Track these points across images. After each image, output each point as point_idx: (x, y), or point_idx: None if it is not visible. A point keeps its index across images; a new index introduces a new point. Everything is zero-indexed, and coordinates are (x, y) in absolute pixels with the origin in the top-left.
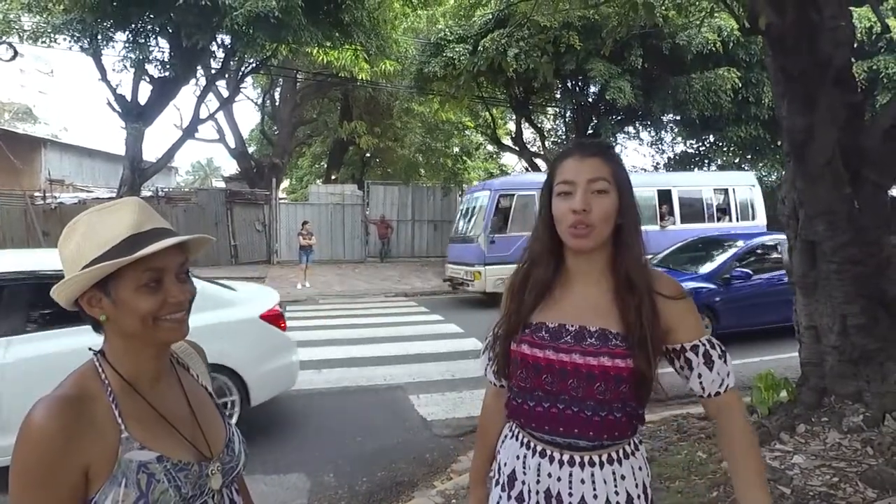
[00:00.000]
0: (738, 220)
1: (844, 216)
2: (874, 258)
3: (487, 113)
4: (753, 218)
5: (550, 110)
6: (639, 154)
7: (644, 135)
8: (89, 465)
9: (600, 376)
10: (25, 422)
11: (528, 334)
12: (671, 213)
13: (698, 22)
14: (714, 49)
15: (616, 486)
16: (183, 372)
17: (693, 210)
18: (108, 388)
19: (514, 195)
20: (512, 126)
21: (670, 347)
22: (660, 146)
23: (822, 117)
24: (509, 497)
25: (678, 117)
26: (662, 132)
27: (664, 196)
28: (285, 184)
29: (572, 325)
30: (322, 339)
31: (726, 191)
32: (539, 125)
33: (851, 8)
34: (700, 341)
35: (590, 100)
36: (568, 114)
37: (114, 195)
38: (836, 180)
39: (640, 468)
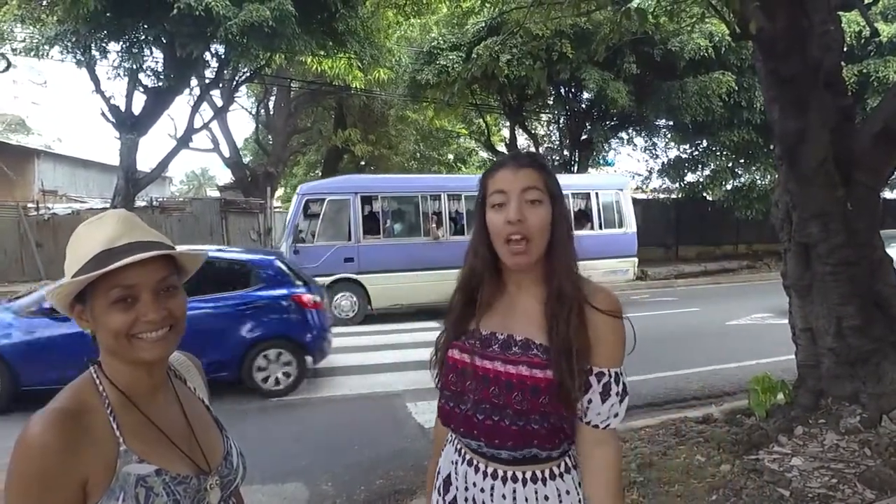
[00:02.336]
0: (601, 227)
1: (838, 218)
2: (867, 259)
3: (481, 119)
4: (621, 225)
5: (544, 116)
6: (632, 160)
7: (638, 140)
8: (87, 478)
9: (518, 385)
10: (23, 435)
11: (461, 340)
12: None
13: (689, 28)
14: (706, 55)
15: None
16: (180, 384)
17: None
18: (105, 400)
19: (324, 200)
20: (506, 132)
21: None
22: (653, 151)
23: (814, 120)
24: (444, 501)
25: (671, 122)
26: (656, 137)
27: None
28: (280, 192)
29: (501, 334)
30: None
31: (588, 195)
32: (533, 131)
33: (840, 13)
34: (608, 371)
35: (583, 106)
36: (561, 120)
37: (108, 206)
38: (828, 182)
39: (567, 492)
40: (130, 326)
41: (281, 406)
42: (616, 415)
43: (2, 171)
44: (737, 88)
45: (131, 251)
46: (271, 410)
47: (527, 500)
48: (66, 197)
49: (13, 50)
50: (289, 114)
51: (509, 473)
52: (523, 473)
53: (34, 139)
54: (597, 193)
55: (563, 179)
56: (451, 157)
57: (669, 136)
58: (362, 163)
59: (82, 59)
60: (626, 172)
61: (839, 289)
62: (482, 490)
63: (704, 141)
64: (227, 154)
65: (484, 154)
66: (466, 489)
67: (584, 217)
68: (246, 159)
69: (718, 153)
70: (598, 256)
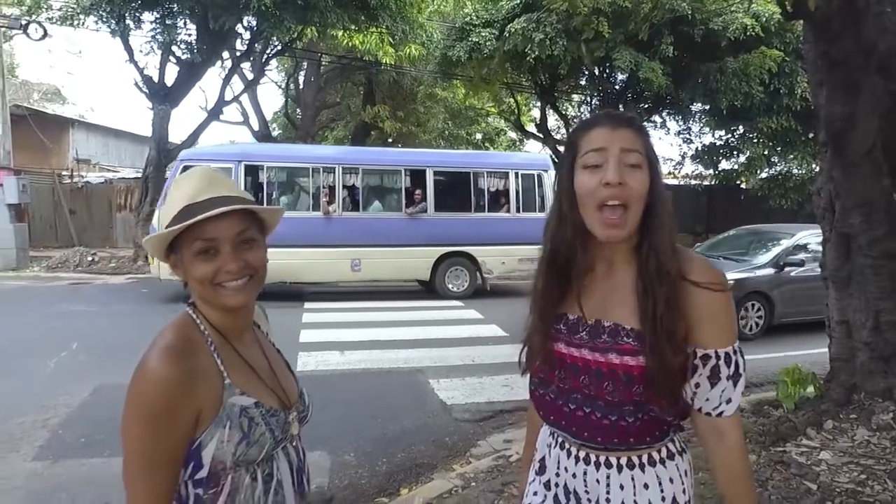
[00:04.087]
0: (519, 210)
1: (882, 209)
2: None
3: (512, 99)
4: (542, 209)
5: (576, 97)
6: (664, 143)
7: (671, 124)
8: (201, 408)
9: (608, 374)
10: (144, 369)
11: (547, 325)
12: (424, 198)
13: (737, 6)
14: (752, 33)
15: (635, 494)
16: (256, 329)
17: (457, 196)
18: (207, 338)
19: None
20: (536, 113)
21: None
22: (687, 136)
23: (864, 105)
24: (540, 482)
25: (707, 107)
26: (690, 122)
27: (417, 178)
28: None
29: (590, 319)
30: (343, 321)
31: (506, 174)
32: (564, 112)
33: None
34: (716, 352)
35: (616, 87)
36: (594, 101)
37: (139, 176)
38: (874, 171)
39: (671, 479)
40: (213, 276)
41: (306, 378)
42: (729, 400)
43: (38, 139)
44: (778, 72)
45: (211, 206)
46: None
47: (622, 487)
48: (99, 166)
49: (49, 19)
50: (318, 88)
51: (602, 459)
52: (618, 459)
53: (69, 108)
54: (516, 173)
55: (478, 157)
56: (479, 136)
57: (705, 120)
58: (390, 140)
59: (116, 28)
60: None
61: (879, 282)
62: (574, 476)
63: (741, 127)
64: (256, 127)
65: (512, 134)
66: (558, 474)
67: (499, 199)
68: (275, 133)
69: (755, 140)
70: (515, 241)
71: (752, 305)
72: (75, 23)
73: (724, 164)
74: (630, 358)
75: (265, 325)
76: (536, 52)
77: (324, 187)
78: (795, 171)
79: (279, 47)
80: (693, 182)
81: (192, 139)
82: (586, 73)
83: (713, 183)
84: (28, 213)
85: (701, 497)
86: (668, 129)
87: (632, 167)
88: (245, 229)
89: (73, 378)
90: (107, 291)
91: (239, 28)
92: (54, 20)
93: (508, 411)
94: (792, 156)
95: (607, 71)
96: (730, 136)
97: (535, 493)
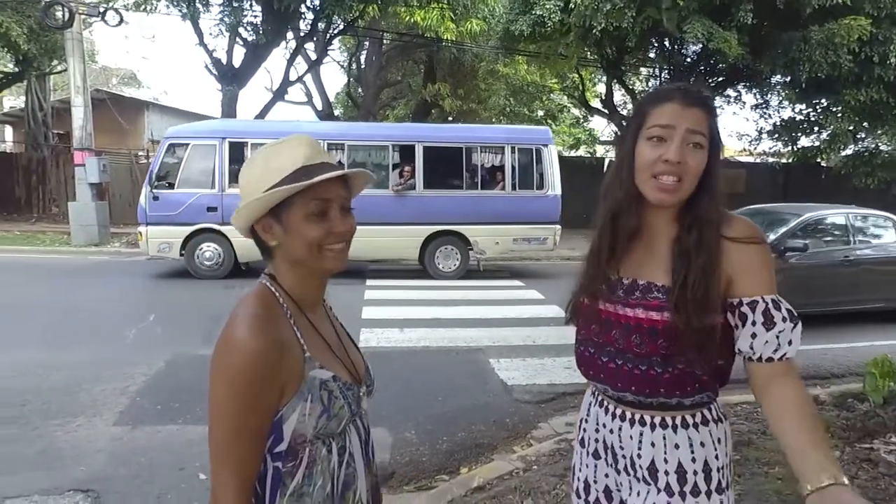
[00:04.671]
0: (515, 187)
1: None
2: None
3: (576, 74)
4: (541, 187)
5: (644, 71)
6: (739, 118)
7: (747, 98)
8: (286, 381)
9: (635, 328)
10: (232, 340)
11: (593, 285)
12: (413, 175)
13: None
14: (839, 1)
15: (666, 452)
16: (323, 303)
17: (448, 173)
18: (287, 310)
19: (188, 145)
20: (601, 88)
21: (728, 301)
22: (765, 110)
23: None
24: (577, 441)
25: (787, 78)
26: (769, 95)
27: (406, 153)
28: None
29: (627, 279)
30: (404, 298)
31: (502, 149)
32: (631, 87)
33: None
34: (762, 298)
35: (688, 60)
36: (663, 75)
37: None
38: None
39: (702, 444)
40: (324, 237)
41: (368, 354)
42: (790, 342)
43: (116, 121)
44: (869, 40)
45: (325, 169)
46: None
47: (653, 444)
48: None
49: (125, 6)
50: (380, 67)
51: (636, 416)
52: (651, 418)
53: (144, 92)
54: (513, 148)
55: (471, 130)
56: (540, 113)
57: (784, 93)
58: (450, 118)
59: (186, 11)
60: (733, 133)
61: None
62: (611, 431)
63: (824, 100)
64: (319, 107)
65: (576, 111)
66: (597, 430)
67: (494, 175)
68: (337, 112)
69: (840, 114)
70: (510, 221)
71: None
72: (148, 8)
73: (804, 141)
74: (655, 312)
75: (329, 300)
76: (603, 24)
77: None
78: (884, 147)
79: (341, 26)
80: (770, 160)
81: (259, 119)
82: (656, 45)
83: (791, 161)
84: (108, 191)
85: (778, 493)
86: (744, 103)
87: (693, 146)
88: (347, 196)
89: (150, 348)
90: (180, 266)
91: (302, 8)
92: (129, 7)
93: (570, 394)
94: (881, 131)
95: (678, 42)
96: (811, 110)
97: (584, 467)
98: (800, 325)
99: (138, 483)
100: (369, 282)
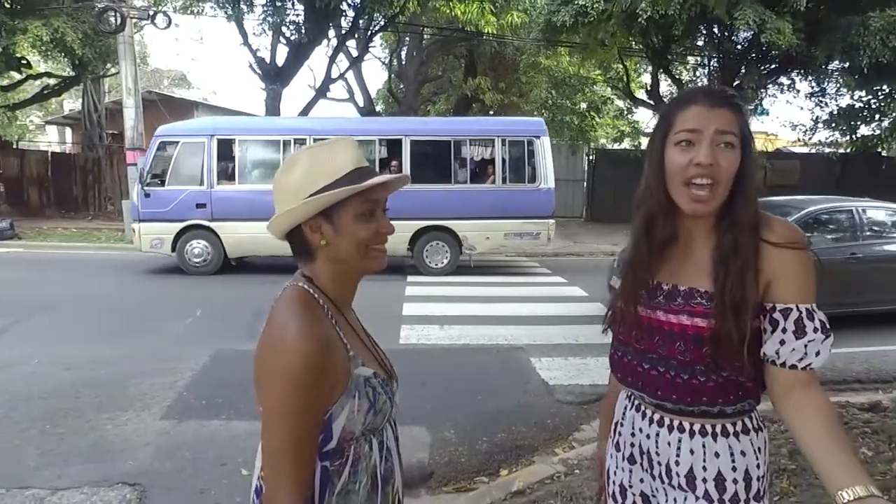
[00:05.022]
0: (506, 181)
1: None
2: None
3: (620, 64)
4: (533, 180)
5: (691, 60)
6: (793, 107)
7: (801, 85)
8: (335, 379)
9: (679, 335)
10: (283, 342)
11: (631, 290)
12: (400, 169)
13: None
14: None
15: (705, 460)
16: None
17: (437, 167)
18: (327, 310)
19: (178, 143)
20: (646, 78)
21: (762, 305)
22: (821, 98)
23: None
24: (612, 445)
25: (846, 64)
26: (825, 82)
27: (393, 148)
28: None
29: (667, 284)
30: (443, 295)
31: (492, 142)
32: (678, 76)
33: None
34: (797, 306)
35: (738, 47)
36: (712, 63)
37: None
38: None
39: (742, 453)
40: (373, 236)
41: (408, 351)
42: (818, 353)
43: (167, 121)
44: None
45: (371, 173)
46: (399, 354)
47: (692, 451)
48: None
49: (174, 8)
50: (420, 62)
51: (675, 422)
52: (691, 425)
53: (193, 92)
54: (504, 140)
55: (460, 123)
56: (583, 105)
57: (843, 80)
58: (491, 112)
59: (231, 13)
60: (786, 123)
61: None
62: (647, 436)
63: (886, 86)
64: (361, 104)
65: (620, 102)
66: (633, 434)
67: (485, 169)
68: (379, 109)
69: None
70: (500, 216)
71: None
72: (195, 10)
73: (864, 129)
74: (700, 319)
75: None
76: (649, 12)
77: None
78: None
79: (382, 23)
80: (826, 150)
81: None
82: (704, 32)
83: (849, 150)
84: None
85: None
86: (798, 91)
87: (724, 146)
88: (386, 198)
89: (197, 342)
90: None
91: (343, 6)
92: (177, 9)
93: None
94: None
95: (728, 29)
96: (871, 97)
97: (619, 471)
98: (832, 337)
99: (182, 478)
100: (410, 278)
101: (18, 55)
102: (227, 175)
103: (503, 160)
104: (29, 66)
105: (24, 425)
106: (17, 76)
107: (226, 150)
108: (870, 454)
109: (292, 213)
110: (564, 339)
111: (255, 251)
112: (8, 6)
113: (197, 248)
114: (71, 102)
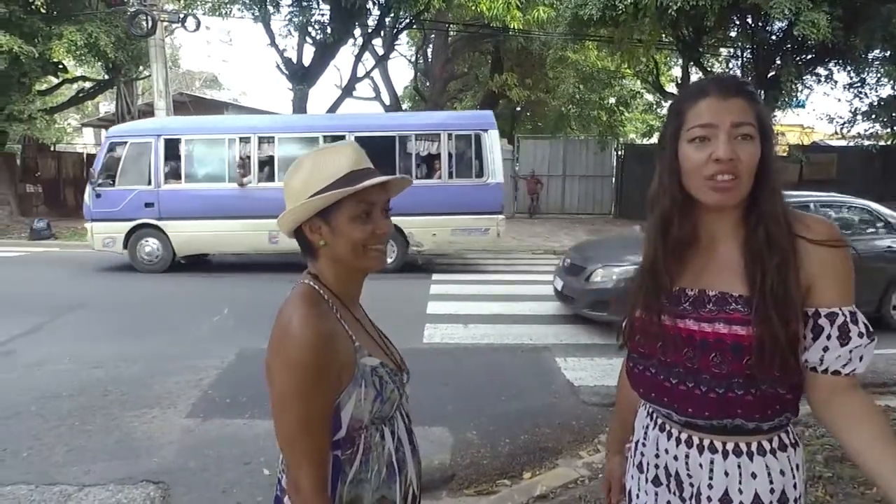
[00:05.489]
0: (452, 176)
1: None
2: None
3: (650, 58)
4: (481, 174)
5: (724, 51)
6: (830, 99)
7: (840, 76)
8: (341, 368)
9: (714, 345)
10: (289, 337)
11: (648, 297)
12: None
13: None
14: None
15: (741, 482)
16: None
17: (382, 163)
18: (332, 305)
19: (126, 143)
20: (676, 72)
21: (804, 310)
22: (860, 89)
23: None
24: (633, 465)
25: (887, 53)
26: (865, 72)
27: None
28: None
29: (692, 290)
30: (468, 293)
31: (438, 136)
32: (709, 69)
33: None
34: (841, 310)
35: (773, 38)
36: (745, 55)
37: None
38: None
39: (782, 472)
40: (368, 237)
41: (431, 350)
42: (861, 358)
43: None
44: None
45: (371, 175)
46: (422, 353)
47: (727, 473)
48: None
49: (203, 11)
50: (446, 60)
51: (706, 442)
52: (724, 444)
53: (224, 93)
54: (450, 134)
55: (405, 118)
56: (612, 100)
57: (884, 69)
58: (518, 108)
59: (258, 14)
60: (823, 116)
61: None
62: (675, 458)
63: None
64: (387, 102)
65: (650, 96)
66: (657, 456)
67: (430, 164)
68: (405, 106)
69: None
70: (447, 211)
71: None
72: (223, 11)
73: None
74: (740, 327)
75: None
76: (679, 3)
77: (239, 158)
78: None
79: (408, 20)
80: (866, 143)
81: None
82: (737, 22)
83: (891, 143)
84: None
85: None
86: (836, 82)
87: (742, 138)
88: (388, 199)
89: (223, 341)
90: (255, 260)
91: (369, 4)
92: (206, 11)
93: None
94: None
95: (762, 19)
96: None
97: (643, 493)
98: (875, 340)
99: (206, 476)
100: (435, 276)
101: (55, 60)
102: (174, 174)
103: (450, 155)
104: (65, 70)
105: (54, 422)
106: (53, 80)
107: (173, 149)
108: None
109: (292, 214)
110: (590, 339)
111: (204, 249)
112: (44, 12)
113: (147, 246)
114: (106, 105)
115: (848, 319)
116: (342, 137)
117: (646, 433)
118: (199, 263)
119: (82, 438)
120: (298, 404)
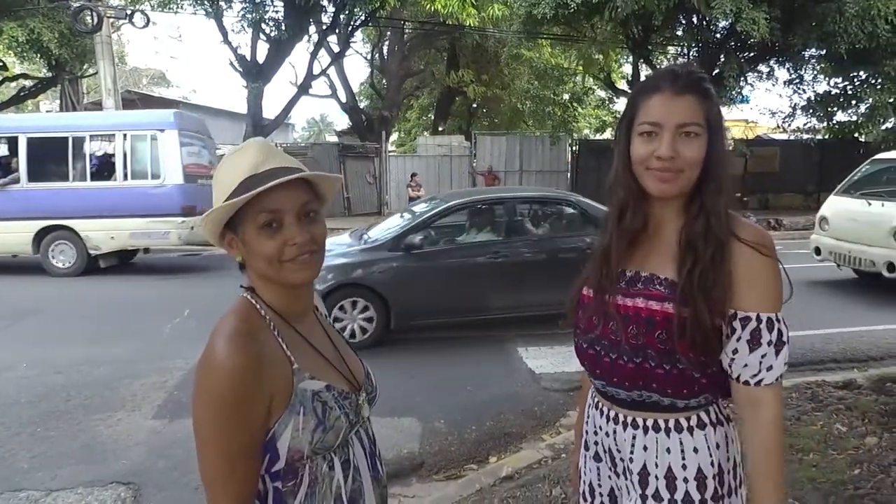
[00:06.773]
0: (128, 177)
1: None
2: None
3: (601, 55)
4: (156, 176)
5: (672, 49)
6: (772, 94)
7: (780, 73)
8: (273, 395)
9: (633, 318)
10: (210, 360)
11: (594, 278)
12: (18, 168)
13: None
14: None
15: (657, 456)
16: (315, 311)
17: (56, 165)
18: (269, 322)
19: None
20: (627, 69)
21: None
22: (798, 85)
23: None
24: (583, 445)
25: (822, 52)
26: (802, 69)
27: (12, 146)
28: (394, 136)
29: (630, 271)
30: None
31: (112, 137)
32: (658, 66)
33: None
34: (757, 315)
35: (717, 36)
36: (692, 53)
37: None
38: None
39: (695, 449)
40: (280, 251)
41: (397, 342)
42: (770, 368)
43: None
44: None
45: (274, 176)
46: (387, 346)
47: (645, 448)
48: None
49: (151, 6)
50: (402, 57)
51: (629, 419)
52: (644, 420)
53: (173, 91)
54: (125, 135)
55: (79, 119)
56: (566, 96)
57: (819, 67)
58: (474, 105)
59: (210, 10)
60: (765, 110)
61: None
62: (607, 434)
63: (862, 72)
64: (343, 99)
65: (601, 93)
66: (595, 433)
67: (107, 165)
68: (362, 104)
69: (879, 86)
70: (124, 214)
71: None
72: (174, 7)
73: (841, 116)
74: (654, 303)
75: (322, 307)
76: (629, 4)
77: None
78: None
79: (363, 18)
80: (804, 136)
81: (284, 114)
82: (683, 22)
83: (827, 137)
84: None
85: (812, 480)
86: (777, 78)
87: (687, 135)
88: (308, 201)
89: (186, 342)
90: (215, 259)
91: (323, 1)
92: (155, 7)
93: None
94: None
95: (706, 19)
96: (848, 83)
97: (588, 470)
98: (786, 349)
99: (176, 475)
100: None
101: None
102: None
103: (125, 156)
104: (5, 67)
105: (15, 429)
106: None
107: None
108: (844, 430)
109: (204, 229)
110: (550, 329)
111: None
112: None
113: None
114: (48, 104)
115: (763, 326)
116: (15, 139)
117: (588, 413)
118: (126, 266)
119: (46, 444)
120: (219, 439)
